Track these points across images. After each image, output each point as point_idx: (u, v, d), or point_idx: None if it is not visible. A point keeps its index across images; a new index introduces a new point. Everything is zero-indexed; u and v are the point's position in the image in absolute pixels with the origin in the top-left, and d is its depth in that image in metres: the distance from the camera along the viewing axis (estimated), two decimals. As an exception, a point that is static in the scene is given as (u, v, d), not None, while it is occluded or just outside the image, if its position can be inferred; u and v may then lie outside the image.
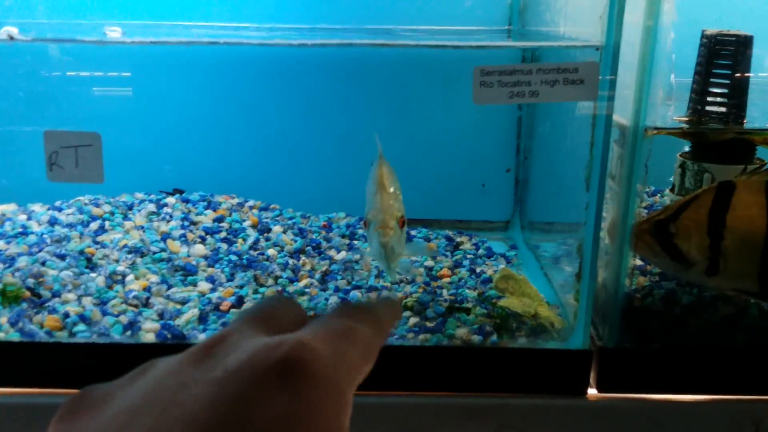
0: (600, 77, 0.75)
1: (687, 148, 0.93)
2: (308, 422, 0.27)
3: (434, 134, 1.16)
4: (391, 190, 0.82)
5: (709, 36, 0.85)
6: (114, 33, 0.94)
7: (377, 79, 1.14)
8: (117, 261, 0.96)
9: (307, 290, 0.93)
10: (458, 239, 1.11)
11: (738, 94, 0.84)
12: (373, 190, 0.82)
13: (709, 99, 0.85)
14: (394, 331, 0.84)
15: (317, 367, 0.28)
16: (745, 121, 0.84)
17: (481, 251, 1.08)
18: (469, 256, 1.05)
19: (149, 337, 0.83)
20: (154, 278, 0.93)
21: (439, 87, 1.13)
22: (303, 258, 1.00)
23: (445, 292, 0.94)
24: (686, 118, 0.86)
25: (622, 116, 0.81)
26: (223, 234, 1.03)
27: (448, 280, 0.98)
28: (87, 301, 0.88)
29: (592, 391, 0.83)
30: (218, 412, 0.26)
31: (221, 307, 0.88)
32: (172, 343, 0.83)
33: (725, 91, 0.84)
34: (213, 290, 0.92)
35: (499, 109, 1.16)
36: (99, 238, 1.00)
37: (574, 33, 0.88)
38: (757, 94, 0.93)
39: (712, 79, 0.84)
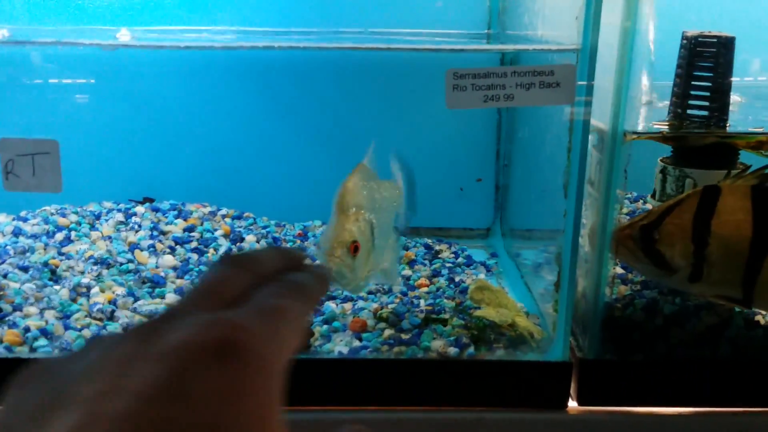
0: (577, 80, 0.73)
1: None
2: (242, 397, 0.29)
3: (413, 140, 1.13)
4: (353, 210, 0.76)
5: (689, 37, 0.83)
6: (124, 37, 0.91)
7: (353, 83, 1.11)
8: (82, 273, 0.92)
9: (279, 301, 0.90)
10: (437, 247, 1.08)
11: (720, 97, 0.82)
12: (333, 211, 0.77)
13: (691, 102, 0.82)
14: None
15: (250, 347, 0.30)
16: (728, 124, 0.82)
17: (460, 259, 1.05)
18: (448, 265, 1.03)
19: (113, 353, 0.80)
20: (120, 290, 0.89)
21: (417, 91, 1.11)
22: (276, 268, 0.97)
23: (422, 302, 0.91)
24: (667, 122, 0.84)
25: (600, 120, 0.79)
26: (194, 244, 1.00)
27: (425, 289, 0.95)
28: (50, 315, 0.85)
29: (572, 404, 0.81)
30: (160, 385, 0.28)
31: (189, 320, 0.85)
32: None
33: (707, 94, 0.82)
34: (181, 302, 0.88)
35: (478, 114, 1.14)
36: (64, 249, 0.96)
37: (551, 35, 0.86)
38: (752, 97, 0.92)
39: (693, 82, 0.82)
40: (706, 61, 0.82)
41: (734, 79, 0.83)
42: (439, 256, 1.06)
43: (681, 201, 0.76)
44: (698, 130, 0.81)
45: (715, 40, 0.82)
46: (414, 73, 1.09)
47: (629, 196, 1.14)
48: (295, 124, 1.13)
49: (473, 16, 1.15)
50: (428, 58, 1.05)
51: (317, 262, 0.73)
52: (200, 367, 0.29)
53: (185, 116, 1.12)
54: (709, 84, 0.82)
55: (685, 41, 0.83)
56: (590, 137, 0.81)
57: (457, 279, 0.98)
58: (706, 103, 0.82)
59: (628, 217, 1.07)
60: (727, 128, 0.81)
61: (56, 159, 0.75)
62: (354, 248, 0.73)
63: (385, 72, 1.11)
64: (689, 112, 0.82)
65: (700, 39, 0.81)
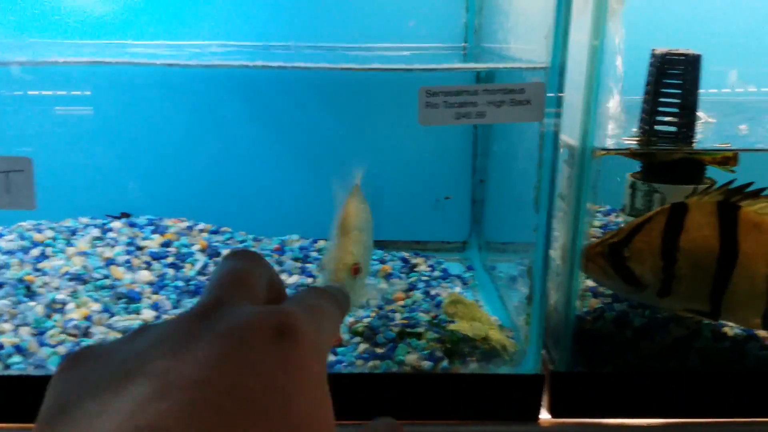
0: (546, 97, 0.75)
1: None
2: (301, 370, 0.31)
3: (390, 154, 1.14)
4: (354, 233, 0.79)
5: (657, 55, 0.85)
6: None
7: (330, 99, 1.12)
8: (57, 289, 0.92)
9: (255, 316, 0.90)
10: (414, 261, 1.09)
11: (687, 113, 0.83)
12: (334, 234, 0.79)
13: (659, 119, 0.84)
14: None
15: (305, 333, 0.32)
16: (694, 140, 0.84)
17: (436, 273, 1.06)
18: (424, 278, 1.04)
19: (87, 369, 0.80)
20: (96, 306, 0.89)
21: (393, 107, 1.12)
22: (253, 282, 0.98)
23: (398, 315, 0.92)
24: (636, 138, 0.86)
25: (571, 137, 0.80)
26: (171, 259, 1.00)
27: (401, 303, 0.96)
28: (24, 331, 0.85)
29: (545, 416, 0.82)
30: (226, 355, 0.30)
31: (165, 336, 0.85)
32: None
33: (674, 110, 0.84)
34: (157, 318, 0.88)
35: (455, 129, 1.15)
36: (40, 265, 0.96)
37: (523, 53, 0.88)
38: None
39: (660, 99, 0.84)
40: (673, 79, 0.83)
41: (715, 91, 0.86)
42: (416, 269, 1.07)
43: (650, 218, 0.78)
44: (665, 146, 0.83)
45: (682, 57, 0.84)
46: (390, 90, 1.10)
47: (602, 209, 1.16)
48: (272, 140, 1.14)
49: (449, 31, 1.16)
50: (403, 75, 1.07)
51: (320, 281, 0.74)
52: (262, 343, 0.31)
53: (163, 131, 1.12)
54: (677, 101, 0.84)
55: (653, 59, 0.85)
56: (561, 153, 0.83)
57: (432, 292, 0.98)
58: (674, 119, 0.84)
59: (601, 231, 1.09)
60: (694, 144, 0.83)
61: (30, 176, 0.75)
62: (356, 270, 0.75)
63: (361, 88, 1.12)
64: (657, 128, 0.84)
65: (667, 57, 0.83)
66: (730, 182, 0.77)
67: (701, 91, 0.93)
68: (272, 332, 0.32)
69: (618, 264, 0.78)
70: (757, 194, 0.76)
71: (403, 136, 1.13)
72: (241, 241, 1.09)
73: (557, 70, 0.74)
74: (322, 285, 0.45)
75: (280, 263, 1.03)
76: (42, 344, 0.82)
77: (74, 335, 0.85)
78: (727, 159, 0.84)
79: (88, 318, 0.87)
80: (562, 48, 0.74)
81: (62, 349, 0.81)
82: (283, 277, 1.00)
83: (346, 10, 1.13)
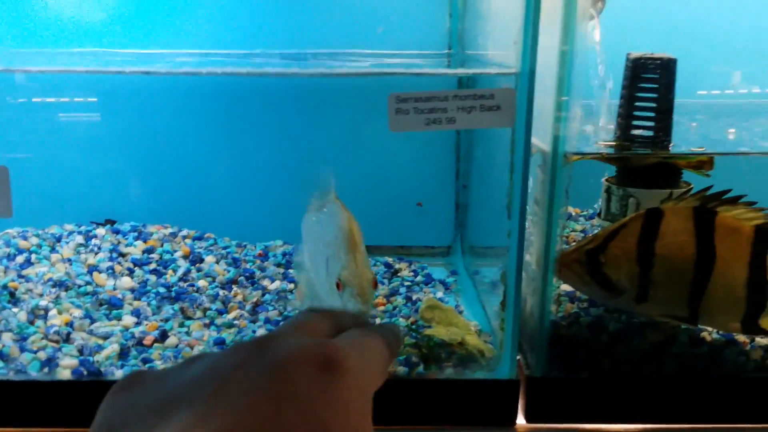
0: (516, 103, 0.75)
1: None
2: (343, 404, 0.32)
3: (374, 159, 1.15)
4: (362, 247, 0.77)
5: (632, 59, 0.84)
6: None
7: (313, 105, 1.13)
8: (41, 295, 0.93)
9: (236, 322, 0.90)
10: (397, 266, 1.09)
11: (663, 117, 0.83)
12: (343, 248, 0.77)
13: (634, 123, 0.84)
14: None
15: (350, 367, 0.34)
16: (671, 145, 0.84)
17: (419, 278, 1.06)
18: (407, 283, 1.04)
19: (65, 374, 0.81)
20: (78, 312, 0.90)
21: (377, 112, 1.12)
22: (235, 288, 0.98)
23: (378, 321, 0.92)
24: (613, 143, 0.86)
25: (544, 142, 0.80)
26: (153, 265, 1.00)
27: (382, 308, 0.96)
28: (7, 337, 0.86)
29: (520, 421, 0.82)
30: (270, 387, 0.31)
31: (144, 342, 0.85)
32: (88, 380, 0.80)
33: (650, 114, 0.84)
34: (138, 324, 0.89)
35: (439, 134, 1.15)
36: (24, 272, 0.97)
37: (497, 58, 0.88)
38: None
39: (636, 103, 0.84)
40: (648, 83, 0.83)
41: (705, 93, 0.85)
42: (399, 274, 1.07)
43: (625, 224, 0.78)
44: (639, 150, 0.83)
45: (657, 61, 0.84)
46: (373, 96, 1.10)
47: (584, 213, 1.16)
48: (257, 147, 1.14)
49: (434, 38, 1.17)
50: (387, 80, 1.07)
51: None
52: (307, 376, 0.32)
53: (149, 139, 1.13)
54: (652, 105, 0.83)
55: (629, 63, 0.85)
56: (535, 158, 0.83)
57: (414, 297, 0.99)
58: (649, 123, 0.83)
59: (582, 234, 1.09)
60: (670, 148, 0.83)
61: (6, 185, 0.75)
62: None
63: (344, 95, 1.12)
64: (633, 132, 0.84)
65: (642, 61, 0.83)
66: (707, 188, 0.76)
67: (702, 93, 0.93)
68: (317, 364, 0.33)
69: (594, 270, 0.78)
70: (734, 201, 0.76)
71: (387, 142, 1.14)
72: (225, 247, 1.09)
73: (527, 75, 0.74)
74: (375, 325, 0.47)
75: (262, 269, 1.04)
76: (23, 350, 0.83)
77: (56, 341, 0.85)
78: (702, 163, 0.83)
79: (69, 324, 0.88)
80: (531, 54, 0.74)
81: (43, 355, 0.82)
82: (265, 282, 1.00)
83: (333, 18, 1.14)
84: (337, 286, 0.77)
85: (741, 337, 0.85)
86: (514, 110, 0.75)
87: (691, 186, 0.85)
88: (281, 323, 0.41)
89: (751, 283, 0.75)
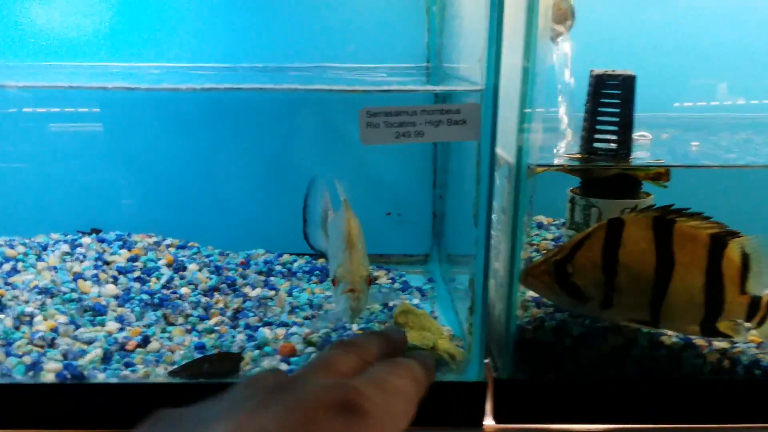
0: (482, 117, 0.78)
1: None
2: None
3: (353, 170, 1.18)
4: (359, 246, 0.83)
5: (594, 76, 0.89)
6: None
7: (294, 117, 1.17)
8: (26, 302, 0.96)
9: (216, 328, 0.94)
10: (375, 273, 1.13)
11: (624, 131, 0.87)
12: (342, 247, 0.83)
13: (597, 136, 0.88)
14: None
15: (369, 409, 0.35)
16: (631, 157, 0.88)
17: (397, 285, 1.10)
18: (384, 290, 1.07)
19: (49, 378, 0.83)
20: (63, 319, 0.93)
21: (357, 125, 1.16)
22: (217, 295, 1.01)
23: (355, 327, 0.95)
24: (577, 155, 0.89)
25: (509, 154, 0.84)
26: (137, 273, 1.04)
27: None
28: (-7, 343, 0.89)
29: (489, 422, 0.85)
30: (289, 426, 0.32)
31: (127, 347, 0.88)
32: (72, 383, 0.83)
33: (612, 128, 0.88)
34: (121, 330, 0.92)
35: (417, 146, 1.19)
36: (10, 280, 1.00)
37: (466, 74, 0.92)
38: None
39: (598, 117, 0.88)
40: (610, 98, 0.87)
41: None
42: (377, 281, 1.10)
43: (589, 235, 0.81)
44: (601, 162, 0.87)
45: (618, 78, 0.88)
46: (353, 109, 1.14)
47: (556, 222, 1.20)
48: (239, 158, 1.18)
49: (413, 52, 1.21)
50: (364, 95, 1.11)
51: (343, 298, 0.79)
52: (327, 418, 0.34)
53: (134, 150, 1.16)
54: (614, 119, 0.87)
55: (591, 79, 0.89)
56: (503, 170, 0.87)
57: (391, 304, 1.02)
58: (611, 137, 0.87)
59: (552, 243, 1.13)
60: (631, 161, 0.87)
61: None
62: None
63: (325, 107, 1.16)
64: (596, 145, 0.88)
65: (603, 77, 0.87)
66: (670, 205, 0.80)
67: (677, 105, 0.97)
68: (337, 406, 0.34)
69: (562, 280, 0.81)
70: (692, 215, 0.80)
71: (367, 153, 1.18)
72: (208, 256, 1.13)
73: (491, 91, 0.78)
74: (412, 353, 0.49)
75: (244, 276, 1.07)
76: (9, 354, 0.86)
77: (41, 346, 0.88)
78: (660, 175, 0.87)
79: (54, 330, 0.91)
80: (495, 71, 0.78)
81: (28, 359, 0.85)
82: (247, 290, 1.04)
83: (316, 32, 1.17)
84: (333, 282, 0.81)
85: (699, 341, 0.89)
86: (480, 124, 0.78)
87: (651, 195, 0.89)
88: (308, 361, 0.42)
89: (709, 288, 0.79)
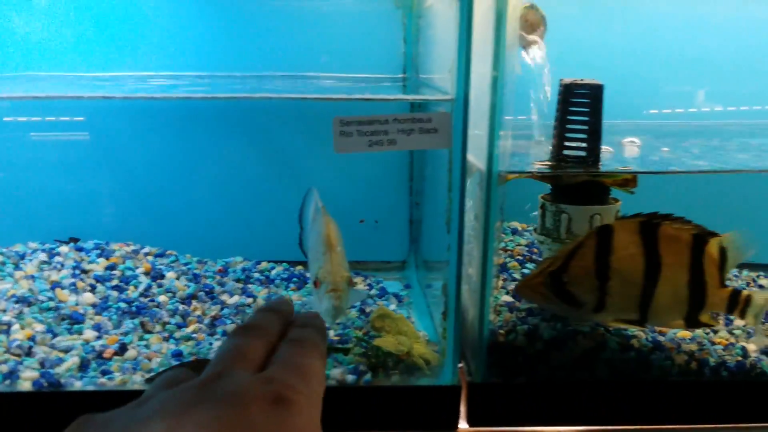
0: (452, 126, 0.80)
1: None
2: None
3: (332, 179, 1.20)
4: (339, 249, 0.86)
5: (564, 85, 0.91)
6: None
7: (271, 126, 1.18)
8: (4, 311, 0.96)
9: (194, 335, 0.94)
10: (353, 279, 1.14)
11: (592, 139, 0.89)
12: (321, 250, 0.85)
13: (566, 144, 0.90)
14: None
15: (295, 399, 0.37)
16: (599, 164, 0.90)
17: (374, 291, 1.11)
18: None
19: (26, 386, 0.84)
20: (40, 327, 0.93)
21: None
22: (194, 303, 1.02)
23: (331, 332, 0.96)
24: (548, 162, 0.91)
25: (481, 162, 0.86)
26: (115, 282, 1.04)
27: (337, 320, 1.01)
28: (-31, 352, 0.89)
29: (463, 425, 0.86)
30: (224, 422, 0.33)
31: (104, 355, 0.89)
32: (49, 391, 0.84)
33: (581, 136, 0.90)
34: (99, 338, 0.93)
35: (393, 154, 1.21)
36: (-13, 289, 1.00)
37: (439, 83, 0.94)
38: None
39: (567, 125, 0.90)
40: (578, 107, 0.90)
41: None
42: (354, 288, 1.12)
43: (581, 244, 0.84)
44: (569, 169, 0.89)
45: (586, 87, 0.90)
46: (329, 117, 1.16)
47: (530, 228, 1.22)
48: (216, 167, 1.19)
49: (390, 62, 1.22)
50: (343, 105, 1.12)
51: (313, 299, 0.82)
52: (257, 412, 0.35)
53: (113, 159, 1.17)
54: (582, 127, 0.89)
55: (560, 88, 0.91)
56: (475, 177, 0.89)
57: (368, 310, 1.03)
58: (580, 144, 0.89)
59: (527, 248, 1.15)
60: (599, 167, 0.89)
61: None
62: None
63: (300, 116, 1.17)
64: (565, 152, 0.90)
65: (572, 86, 0.90)
66: (656, 213, 0.84)
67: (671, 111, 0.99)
68: (270, 400, 0.36)
69: (558, 289, 0.83)
70: (675, 219, 0.83)
71: (344, 162, 1.18)
72: (186, 264, 1.13)
73: (461, 101, 0.80)
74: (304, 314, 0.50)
75: (222, 284, 1.08)
76: (-15, 364, 0.86)
77: (17, 355, 0.89)
78: (627, 181, 0.90)
79: (32, 338, 0.91)
80: (465, 81, 0.79)
81: (5, 368, 0.85)
82: (224, 297, 1.05)
83: (295, 42, 1.19)
84: (315, 284, 0.83)
85: (667, 343, 0.91)
86: (450, 132, 0.80)
87: (619, 202, 0.92)
88: (219, 350, 0.43)
89: (692, 283, 0.82)
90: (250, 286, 1.09)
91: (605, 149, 0.92)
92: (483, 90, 0.82)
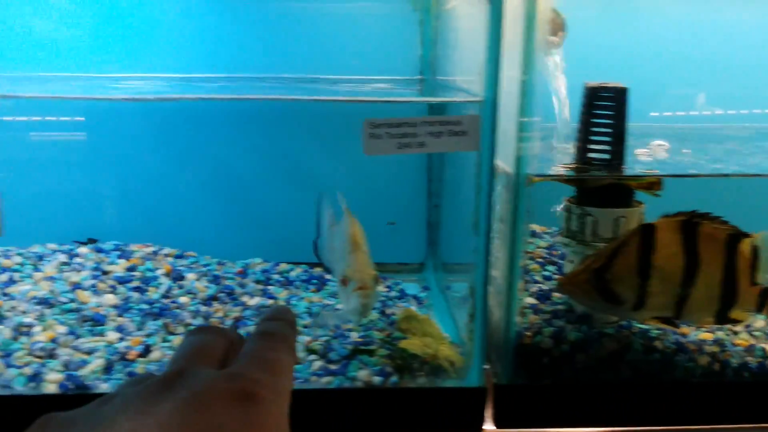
0: (481, 129, 0.80)
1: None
2: (260, 430, 0.35)
3: (351, 181, 1.20)
4: (365, 248, 0.86)
5: (589, 88, 0.91)
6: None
7: (292, 127, 1.18)
8: (24, 312, 0.96)
9: (216, 336, 0.94)
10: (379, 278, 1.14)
11: (617, 142, 0.90)
12: (348, 249, 0.85)
13: (591, 147, 0.90)
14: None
15: (262, 395, 0.36)
16: (623, 167, 0.90)
17: (393, 293, 1.11)
18: (381, 298, 1.08)
19: (51, 388, 0.83)
20: (62, 329, 0.93)
21: (353, 135, 1.17)
22: (216, 304, 1.02)
23: (354, 334, 0.96)
24: (572, 165, 0.92)
25: (507, 164, 0.86)
26: (135, 283, 1.04)
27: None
28: (-9, 354, 0.88)
29: (489, 427, 0.87)
30: (188, 420, 0.33)
31: (128, 357, 0.89)
32: (74, 394, 0.83)
33: (606, 139, 0.90)
34: (121, 339, 0.92)
35: (411, 156, 1.20)
36: (7, 290, 0.99)
37: (465, 86, 0.94)
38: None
39: (592, 129, 0.90)
40: (603, 110, 0.90)
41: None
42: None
43: (625, 242, 0.84)
44: (595, 172, 0.89)
45: (611, 90, 0.90)
46: (349, 120, 1.16)
47: (549, 231, 1.22)
48: (236, 167, 1.19)
49: (406, 64, 1.23)
50: (361, 106, 1.13)
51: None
52: (222, 409, 0.34)
53: (131, 160, 1.17)
54: (607, 130, 0.90)
55: (585, 91, 0.91)
56: (501, 179, 0.89)
57: (388, 312, 1.03)
58: (606, 147, 0.90)
59: (547, 251, 1.15)
60: (623, 170, 0.90)
61: (-2, 206, 0.79)
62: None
63: (321, 118, 1.17)
64: (590, 155, 0.90)
65: (596, 89, 0.90)
66: (693, 211, 0.84)
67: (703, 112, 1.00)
68: (235, 396, 0.35)
69: (601, 287, 0.84)
70: (713, 219, 0.84)
71: (363, 164, 1.19)
72: (206, 265, 1.13)
73: (490, 103, 0.81)
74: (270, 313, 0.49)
75: (242, 285, 1.08)
76: (9, 365, 0.86)
77: (40, 357, 0.88)
78: (652, 184, 0.90)
79: (54, 340, 0.91)
80: (495, 83, 0.80)
81: (28, 370, 0.85)
82: (245, 298, 1.04)
83: (312, 44, 1.19)
84: (342, 282, 0.83)
85: (690, 344, 0.91)
86: (479, 135, 0.81)
87: (643, 205, 0.92)
88: (178, 349, 0.43)
89: (725, 281, 0.83)
90: (270, 287, 1.09)
91: (643, 152, 0.92)
92: (509, 92, 0.83)
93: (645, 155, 0.95)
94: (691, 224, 0.83)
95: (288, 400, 0.40)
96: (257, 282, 1.10)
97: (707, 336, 0.95)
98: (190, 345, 0.42)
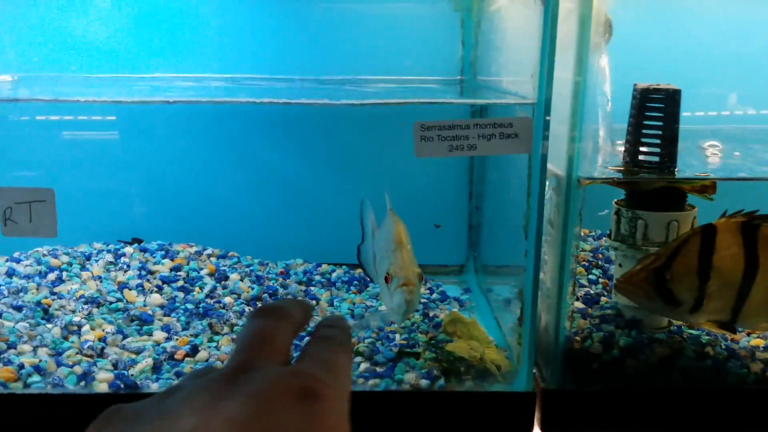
0: (533, 131, 0.80)
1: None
2: (320, 430, 0.35)
3: (393, 183, 1.19)
4: (408, 247, 0.86)
5: (639, 90, 0.90)
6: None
7: (333, 130, 1.18)
8: (73, 311, 0.97)
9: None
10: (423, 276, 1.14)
11: (668, 144, 0.88)
12: (392, 247, 0.86)
13: (641, 149, 0.89)
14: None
15: (324, 393, 0.37)
16: (676, 170, 0.89)
17: (435, 295, 1.11)
18: (423, 300, 1.08)
19: (102, 387, 0.84)
20: (110, 328, 0.94)
21: (395, 139, 1.17)
22: (259, 305, 1.02)
23: (398, 336, 0.96)
24: (621, 168, 0.91)
25: (558, 167, 0.85)
26: (181, 283, 1.05)
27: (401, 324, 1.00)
28: (43, 352, 0.89)
29: (536, 431, 0.86)
30: (251, 417, 0.33)
31: (176, 356, 0.89)
32: (125, 393, 0.84)
33: (656, 141, 0.89)
34: (168, 339, 0.93)
35: (452, 159, 1.20)
36: (56, 289, 1.01)
37: (513, 87, 0.93)
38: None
39: (643, 131, 0.89)
40: (654, 112, 0.89)
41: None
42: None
43: (685, 242, 0.83)
44: (647, 175, 0.88)
45: (662, 92, 0.89)
46: (390, 122, 1.16)
47: (592, 234, 1.21)
48: (279, 169, 1.19)
49: (447, 65, 1.22)
50: (404, 109, 1.12)
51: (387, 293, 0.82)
52: (286, 406, 0.34)
53: (175, 161, 1.18)
54: (658, 132, 0.89)
55: (636, 93, 0.90)
56: (550, 182, 0.88)
57: (431, 314, 1.03)
58: (656, 150, 0.89)
59: (591, 254, 1.14)
60: (675, 173, 0.88)
61: (52, 206, 0.80)
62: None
63: (363, 121, 1.17)
64: (640, 158, 0.89)
65: (648, 91, 0.89)
66: (755, 212, 0.83)
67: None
68: (297, 395, 0.35)
69: (660, 287, 0.83)
70: None
71: (404, 165, 1.19)
72: (248, 266, 1.14)
73: (543, 105, 0.80)
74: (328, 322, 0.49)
75: (284, 286, 1.08)
76: (59, 364, 0.87)
77: (90, 356, 0.89)
78: (706, 188, 0.89)
79: (102, 339, 0.92)
80: (547, 85, 0.79)
81: (79, 369, 0.86)
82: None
83: (352, 46, 1.19)
84: (386, 279, 0.83)
85: (742, 351, 0.90)
86: (531, 138, 0.80)
87: (695, 208, 0.91)
88: (241, 335, 0.42)
89: None
90: (312, 288, 1.09)
91: (713, 145, 0.91)
92: (560, 94, 0.82)
93: (713, 155, 0.94)
94: (751, 226, 0.82)
95: (348, 400, 0.40)
96: (299, 283, 1.10)
97: (759, 342, 0.93)
98: (254, 333, 0.42)
